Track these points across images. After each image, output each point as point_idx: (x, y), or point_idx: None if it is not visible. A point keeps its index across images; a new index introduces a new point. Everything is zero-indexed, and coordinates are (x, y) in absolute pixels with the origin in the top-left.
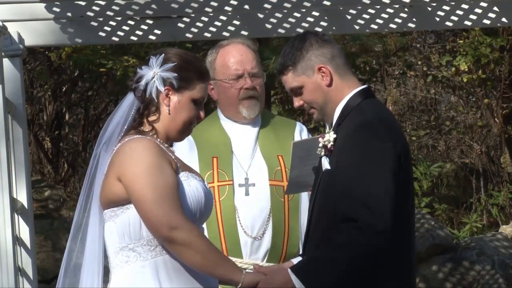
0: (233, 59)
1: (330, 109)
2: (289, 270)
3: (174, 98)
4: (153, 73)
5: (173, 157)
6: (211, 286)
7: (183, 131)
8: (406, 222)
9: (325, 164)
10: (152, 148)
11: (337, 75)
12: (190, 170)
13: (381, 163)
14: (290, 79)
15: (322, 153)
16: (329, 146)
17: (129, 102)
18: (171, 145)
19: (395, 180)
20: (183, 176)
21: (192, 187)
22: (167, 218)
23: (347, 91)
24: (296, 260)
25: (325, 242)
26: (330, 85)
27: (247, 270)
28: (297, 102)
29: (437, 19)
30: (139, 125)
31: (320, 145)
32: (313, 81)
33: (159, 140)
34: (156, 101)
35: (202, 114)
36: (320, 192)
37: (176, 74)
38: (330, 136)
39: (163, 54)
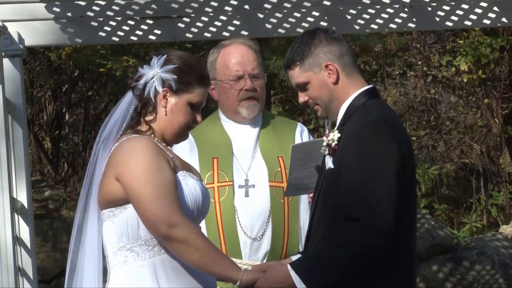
0: (234, 60)
1: (334, 107)
2: (289, 266)
3: (172, 100)
4: (153, 73)
5: (171, 155)
6: (209, 286)
7: (179, 134)
8: (408, 223)
9: (329, 163)
10: (149, 147)
11: (344, 74)
12: (188, 169)
13: (385, 163)
14: (297, 74)
15: (326, 152)
16: (333, 145)
17: (127, 100)
18: (170, 146)
19: (398, 181)
20: (181, 175)
21: (189, 186)
22: (166, 216)
23: (352, 90)
24: (295, 257)
25: (327, 240)
26: (336, 83)
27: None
28: (302, 98)
29: (437, 19)
30: (136, 124)
31: (324, 144)
32: (320, 78)
33: (156, 139)
34: (153, 101)
35: (199, 118)
36: (323, 190)
37: (175, 76)
38: (334, 135)
39: (166, 55)
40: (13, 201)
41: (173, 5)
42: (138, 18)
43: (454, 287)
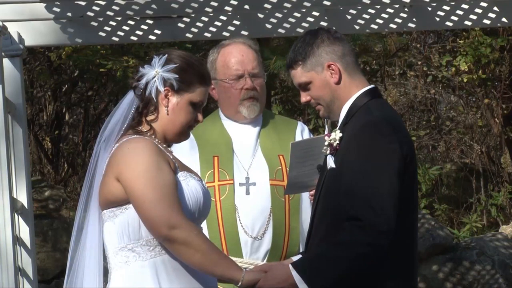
0: (234, 59)
1: (337, 107)
2: (290, 266)
3: (173, 99)
4: (155, 73)
5: (171, 157)
6: (210, 286)
7: (181, 134)
8: (409, 223)
9: (330, 162)
10: (150, 148)
11: (346, 74)
12: (188, 170)
13: (386, 163)
14: (299, 74)
15: (328, 152)
16: (335, 144)
17: (129, 100)
18: (170, 145)
19: (399, 181)
20: (182, 176)
21: (190, 187)
22: (167, 217)
23: (354, 90)
24: (296, 258)
25: (328, 240)
26: (338, 83)
27: (247, 269)
28: (304, 97)
29: (437, 19)
30: (137, 124)
31: (326, 143)
32: (322, 77)
33: (157, 140)
34: (155, 100)
35: (200, 117)
36: (324, 190)
37: (177, 76)
38: (336, 135)
39: (166, 55)
40: (13, 201)
41: (173, 5)
42: (138, 18)
43: (454, 287)
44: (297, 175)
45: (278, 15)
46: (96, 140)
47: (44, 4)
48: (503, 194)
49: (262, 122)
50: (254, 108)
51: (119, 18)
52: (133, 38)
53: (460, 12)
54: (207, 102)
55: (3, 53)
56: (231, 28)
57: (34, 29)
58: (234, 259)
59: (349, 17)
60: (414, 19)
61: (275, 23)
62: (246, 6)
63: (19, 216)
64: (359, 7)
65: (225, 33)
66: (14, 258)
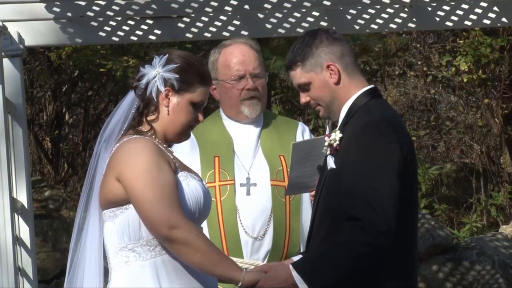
0: (235, 60)
1: (336, 107)
2: (291, 266)
3: (174, 99)
4: (155, 73)
5: (171, 157)
6: (210, 286)
7: (181, 134)
8: (409, 223)
9: (330, 163)
10: (150, 148)
11: (345, 74)
12: (188, 170)
13: (386, 163)
14: (298, 75)
15: (328, 152)
16: (335, 145)
17: (129, 100)
18: (170, 145)
19: (399, 181)
20: (182, 176)
21: (191, 186)
22: (167, 217)
23: (354, 90)
24: (297, 258)
25: (328, 240)
26: (338, 83)
27: (247, 270)
28: (303, 98)
29: (437, 19)
30: (138, 124)
31: (326, 144)
32: (321, 78)
33: (157, 140)
34: (155, 100)
35: (201, 117)
36: (324, 190)
37: (177, 76)
38: (336, 135)
39: (167, 55)
40: (13, 201)
41: (173, 5)
42: (138, 18)
43: (454, 287)
44: (297, 176)
45: (278, 15)
46: (96, 140)
47: (44, 4)
48: (503, 194)
49: (263, 122)
50: (255, 107)
51: (119, 18)
52: (133, 38)
53: (460, 12)
54: (207, 102)
55: (3, 53)
56: (231, 28)
57: (34, 29)
58: (234, 259)
59: (349, 17)
60: (414, 19)
61: (275, 23)
62: (246, 6)
63: (19, 216)
64: (359, 7)
65: (225, 33)
66: (14, 258)
